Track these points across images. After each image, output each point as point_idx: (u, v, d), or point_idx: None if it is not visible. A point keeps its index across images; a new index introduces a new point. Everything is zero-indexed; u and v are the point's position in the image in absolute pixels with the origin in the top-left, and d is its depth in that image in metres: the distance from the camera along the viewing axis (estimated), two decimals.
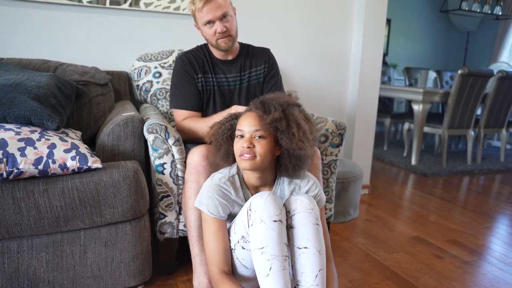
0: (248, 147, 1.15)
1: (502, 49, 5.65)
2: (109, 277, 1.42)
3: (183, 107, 1.71)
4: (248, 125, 1.17)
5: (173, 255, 1.69)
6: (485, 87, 3.77)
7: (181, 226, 1.63)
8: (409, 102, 4.53)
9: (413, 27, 6.12)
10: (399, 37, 6.02)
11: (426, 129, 3.93)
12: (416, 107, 3.79)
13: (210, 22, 1.62)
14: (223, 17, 1.62)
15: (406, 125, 4.17)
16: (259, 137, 1.16)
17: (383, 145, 4.62)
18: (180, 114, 1.72)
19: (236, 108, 1.56)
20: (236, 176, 1.26)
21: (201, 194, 1.23)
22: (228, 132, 1.26)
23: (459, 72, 3.59)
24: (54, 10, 2.01)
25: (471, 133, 3.96)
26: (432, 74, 4.87)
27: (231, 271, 1.22)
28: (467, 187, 3.29)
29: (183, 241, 1.64)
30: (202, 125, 1.62)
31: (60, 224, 1.29)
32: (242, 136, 1.18)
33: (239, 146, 1.18)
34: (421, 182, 3.36)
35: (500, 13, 5.19)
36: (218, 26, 1.61)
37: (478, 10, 5.08)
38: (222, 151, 1.27)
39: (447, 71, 5.19)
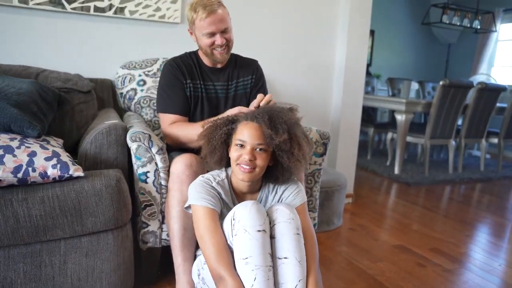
0: (250, 160, 1.15)
1: (481, 61, 5.81)
2: None
3: (171, 111, 1.70)
4: (252, 137, 1.16)
5: (156, 265, 1.66)
6: (465, 98, 3.86)
7: (164, 235, 1.61)
8: (392, 112, 4.59)
9: (396, 38, 6.24)
10: (383, 48, 6.12)
11: (409, 138, 3.99)
12: (399, 117, 3.85)
13: (211, 34, 1.62)
14: (224, 31, 1.63)
15: (389, 135, 4.23)
16: (260, 149, 1.17)
17: (366, 154, 4.66)
18: (167, 118, 1.70)
19: (240, 109, 1.45)
20: (226, 181, 1.26)
21: (191, 191, 1.21)
22: (224, 136, 1.24)
23: (441, 83, 3.66)
24: (37, 16, 1.99)
25: (452, 143, 4.03)
26: (415, 85, 4.97)
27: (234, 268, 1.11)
28: (449, 196, 3.35)
29: (166, 251, 1.62)
30: (190, 130, 1.58)
31: (39, 233, 1.26)
32: (242, 146, 1.18)
33: (238, 155, 1.17)
34: (403, 191, 3.40)
35: (478, 27, 5.34)
36: (219, 39, 1.61)
37: (458, 24, 5.22)
38: (217, 155, 1.25)
39: (429, 82, 5.29)
